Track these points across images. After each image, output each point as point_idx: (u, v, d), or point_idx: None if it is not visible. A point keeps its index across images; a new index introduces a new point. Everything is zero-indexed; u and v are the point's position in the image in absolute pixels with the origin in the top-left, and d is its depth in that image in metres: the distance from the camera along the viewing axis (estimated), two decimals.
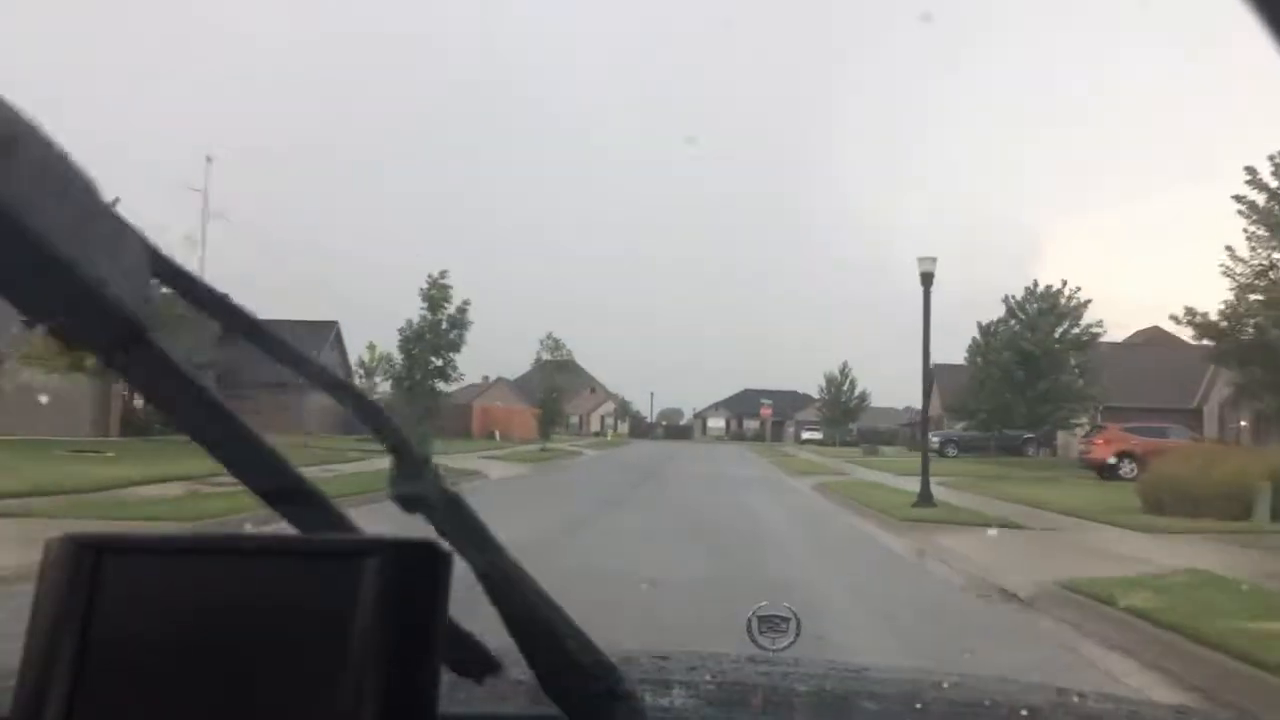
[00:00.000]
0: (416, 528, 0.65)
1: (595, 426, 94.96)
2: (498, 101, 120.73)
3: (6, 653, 0.70)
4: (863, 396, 75.18)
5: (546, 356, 43.03)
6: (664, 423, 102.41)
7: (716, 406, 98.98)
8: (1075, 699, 1.47)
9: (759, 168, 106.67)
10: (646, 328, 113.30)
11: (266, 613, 0.58)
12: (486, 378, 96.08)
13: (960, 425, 44.85)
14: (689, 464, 35.67)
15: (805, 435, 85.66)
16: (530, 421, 65.21)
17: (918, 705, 1.41)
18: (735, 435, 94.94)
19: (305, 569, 0.59)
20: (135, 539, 0.62)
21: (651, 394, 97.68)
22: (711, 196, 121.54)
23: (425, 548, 0.60)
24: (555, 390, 41.40)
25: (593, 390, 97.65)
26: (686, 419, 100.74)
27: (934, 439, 44.24)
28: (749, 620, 1.57)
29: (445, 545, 0.62)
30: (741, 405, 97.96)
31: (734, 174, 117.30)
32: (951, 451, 42.50)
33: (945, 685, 1.50)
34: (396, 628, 0.57)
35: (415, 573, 0.59)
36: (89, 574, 0.59)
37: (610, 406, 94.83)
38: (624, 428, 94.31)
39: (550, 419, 41.77)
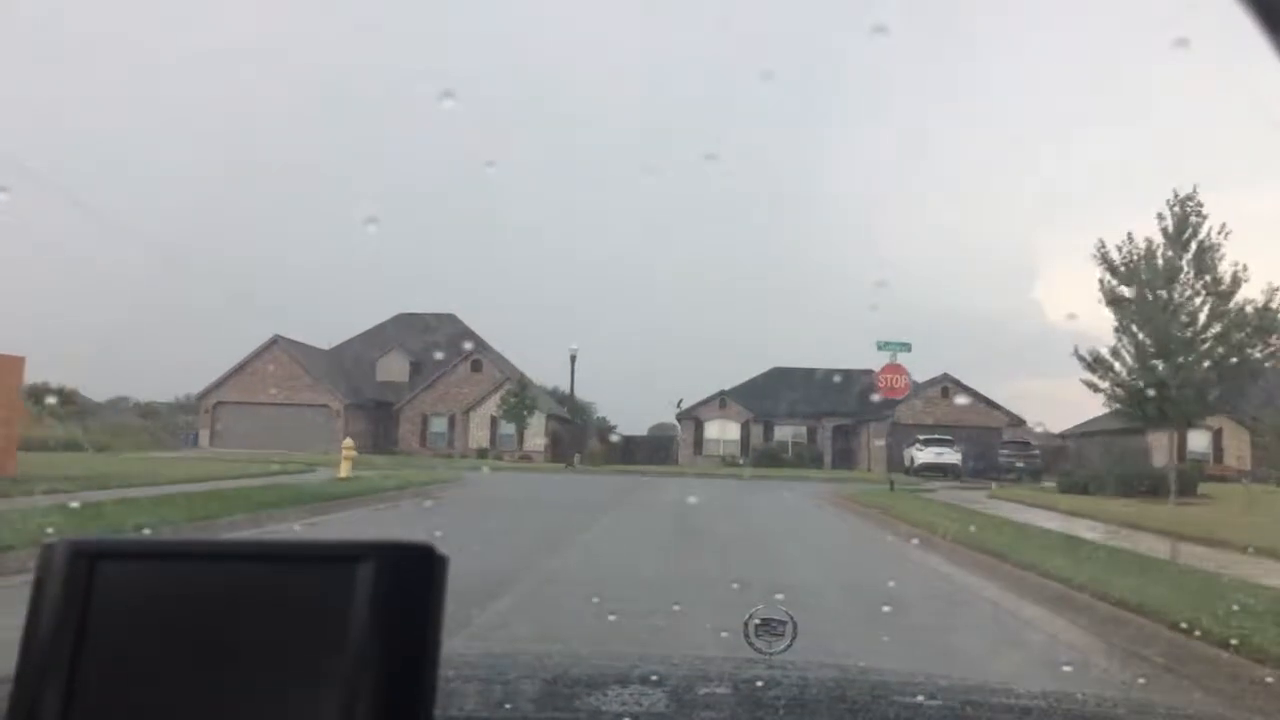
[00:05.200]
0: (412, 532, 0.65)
1: (481, 437, 48.60)
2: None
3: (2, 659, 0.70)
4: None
5: None
6: (647, 431, 56.64)
7: (722, 399, 51.97)
8: (1072, 702, 1.52)
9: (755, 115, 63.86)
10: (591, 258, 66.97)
11: (262, 617, 0.58)
12: (279, 337, 50.09)
13: None
14: None
15: (921, 457, 39.17)
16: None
17: (915, 707, 1.41)
18: (760, 458, 47.88)
19: (300, 573, 0.60)
20: (131, 544, 0.62)
21: (573, 355, 48.96)
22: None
23: (421, 551, 0.60)
24: None
25: (478, 366, 50.93)
26: (687, 426, 53.61)
27: None
28: (746, 624, 1.59)
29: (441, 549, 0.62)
30: (767, 397, 51.17)
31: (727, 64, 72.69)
32: None
33: (942, 686, 1.51)
34: (392, 632, 0.57)
35: (411, 576, 0.59)
36: (84, 579, 0.59)
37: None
38: (541, 438, 48.03)
39: None
